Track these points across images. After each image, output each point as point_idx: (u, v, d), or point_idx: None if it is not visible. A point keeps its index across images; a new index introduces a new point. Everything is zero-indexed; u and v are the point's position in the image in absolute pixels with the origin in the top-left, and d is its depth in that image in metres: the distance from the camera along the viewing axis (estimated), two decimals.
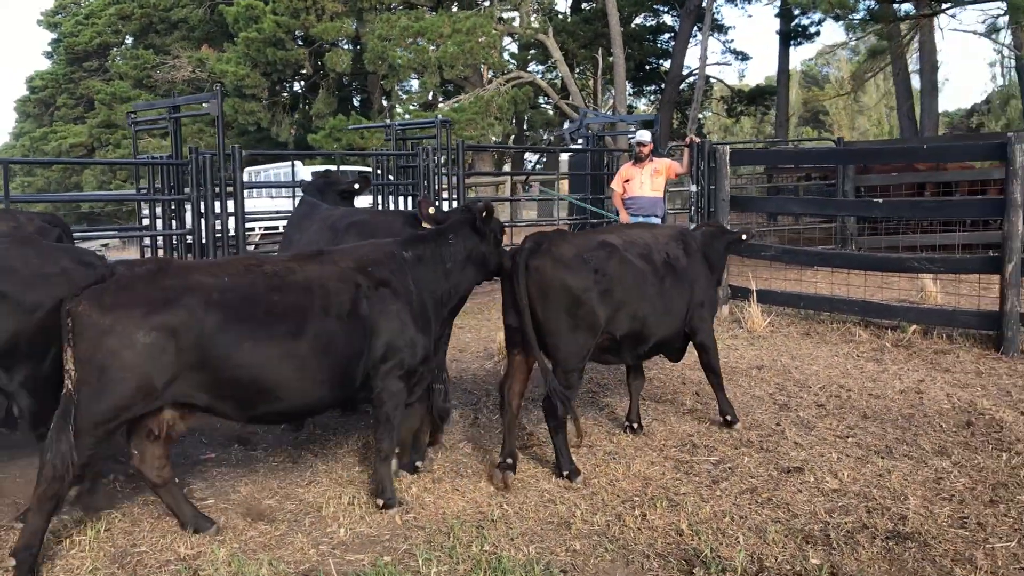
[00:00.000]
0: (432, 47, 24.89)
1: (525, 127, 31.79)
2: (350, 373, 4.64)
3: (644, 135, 10.02)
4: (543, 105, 35.22)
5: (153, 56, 39.99)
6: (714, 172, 9.97)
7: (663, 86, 34.32)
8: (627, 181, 10.12)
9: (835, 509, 4.77)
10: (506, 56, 29.78)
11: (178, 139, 9.39)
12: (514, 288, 5.19)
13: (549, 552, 4.34)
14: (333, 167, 16.35)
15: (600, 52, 29.28)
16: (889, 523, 4.56)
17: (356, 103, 34.64)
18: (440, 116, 12.24)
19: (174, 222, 9.49)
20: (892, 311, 8.88)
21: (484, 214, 5.05)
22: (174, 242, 9.51)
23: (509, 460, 5.29)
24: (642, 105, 40.45)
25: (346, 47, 29.86)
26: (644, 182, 10.00)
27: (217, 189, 8.98)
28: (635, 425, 6.17)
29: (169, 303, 4.16)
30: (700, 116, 35.49)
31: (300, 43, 29.76)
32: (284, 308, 4.41)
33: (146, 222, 10.58)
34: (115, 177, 39.78)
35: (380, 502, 4.86)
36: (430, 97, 28.42)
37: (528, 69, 31.92)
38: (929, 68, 21.95)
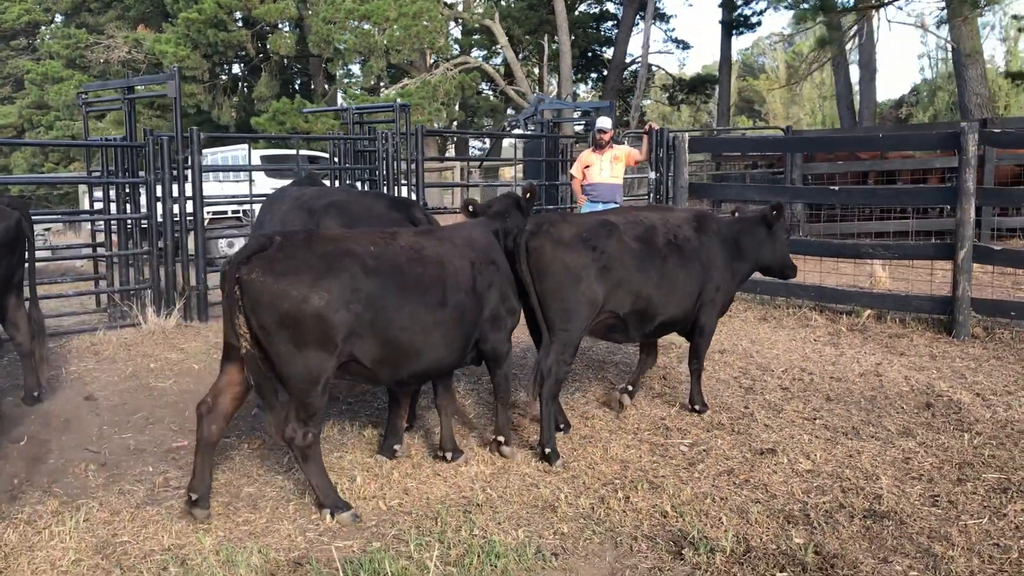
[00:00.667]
0: (378, 31, 24.62)
1: (470, 113, 31.63)
2: (469, 339, 5.05)
3: (605, 122, 10.07)
4: (485, 91, 35.14)
5: (86, 35, 38.77)
6: (672, 159, 10.08)
7: (605, 74, 34.51)
8: (587, 167, 10.16)
9: (811, 489, 4.89)
10: (450, 41, 29.55)
11: (132, 120, 9.14)
12: (517, 268, 5.33)
13: (537, 535, 4.37)
14: (286, 151, 16.15)
15: (546, 39, 29.29)
16: (865, 502, 4.69)
17: (298, 87, 34.11)
18: (399, 100, 12.11)
19: (128, 206, 9.24)
20: (847, 296, 9.11)
21: (528, 195, 5.63)
22: (128, 225, 9.25)
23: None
24: (582, 92, 40.63)
25: (289, 30, 29.33)
26: (604, 168, 10.05)
27: (175, 172, 8.76)
28: (629, 388, 6.28)
29: (333, 268, 4.37)
30: (642, 104, 35.76)
31: (241, 24, 29.18)
32: (429, 279, 4.77)
33: (98, 206, 10.28)
34: (47, 159, 38.63)
35: (506, 449, 5.40)
36: (374, 82, 28.09)
37: (471, 55, 31.79)
38: (868, 59, 22.47)
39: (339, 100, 32.43)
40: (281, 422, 4.41)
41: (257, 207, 11.97)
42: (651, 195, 10.44)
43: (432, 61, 28.65)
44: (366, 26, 25.06)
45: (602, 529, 4.43)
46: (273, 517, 4.60)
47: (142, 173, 8.89)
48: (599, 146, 10.14)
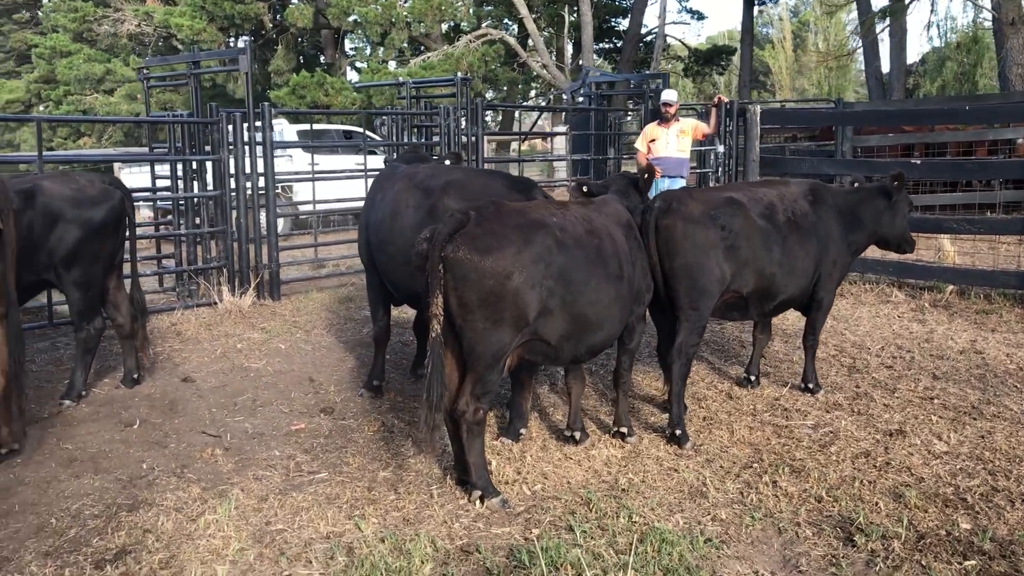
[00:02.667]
0: (401, 1, 24.29)
1: (488, 87, 31.27)
2: (631, 313, 5.00)
3: (670, 94, 9.91)
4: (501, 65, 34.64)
5: (93, 8, 38.26)
6: (744, 132, 9.93)
7: (620, 45, 34.15)
8: (652, 141, 10.02)
9: (956, 472, 4.81)
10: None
11: (198, 96, 8.96)
12: (646, 246, 5.22)
13: (696, 522, 4.30)
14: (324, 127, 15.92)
15: (566, 9, 28.95)
16: (1018, 485, 4.62)
17: (320, 60, 33.74)
18: (460, 74, 11.90)
19: (196, 183, 9.09)
20: (928, 271, 9.00)
21: (647, 176, 5.50)
22: (195, 204, 9.12)
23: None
24: (596, 63, 40.23)
25: (304, 2, 28.90)
26: (670, 142, 9.91)
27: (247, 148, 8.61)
28: (752, 378, 6.27)
29: (531, 242, 4.33)
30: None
31: None
32: (606, 251, 4.70)
33: (160, 183, 10.13)
34: (55, 135, 38.20)
35: (631, 439, 5.31)
36: (395, 55, 27.73)
37: (486, 27, 31.39)
38: (899, 28, 22.20)
39: (349, 74, 32.07)
40: (441, 399, 4.31)
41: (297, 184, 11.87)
42: (719, 169, 10.30)
43: (443, 32, 28.26)
44: None
45: (760, 515, 4.35)
46: (420, 503, 4.51)
47: (207, 148, 8.75)
48: (664, 119, 9.98)
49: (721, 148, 10.29)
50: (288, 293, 9.42)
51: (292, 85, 25.61)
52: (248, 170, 8.61)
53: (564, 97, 15.78)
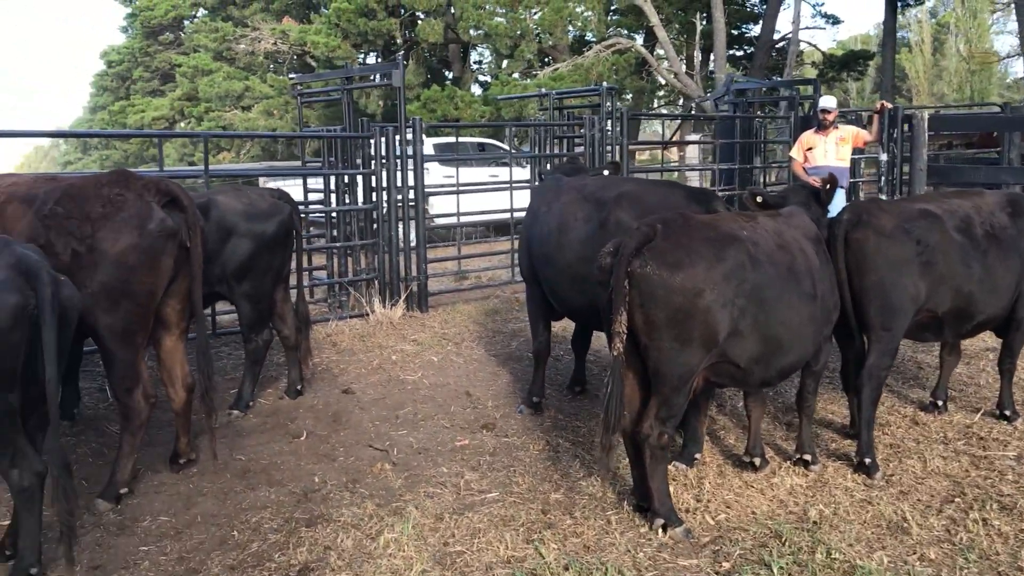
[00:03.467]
0: (530, 13, 24.34)
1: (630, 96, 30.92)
2: (823, 332, 4.73)
3: (829, 101, 9.47)
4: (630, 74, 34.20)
5: (232, 28, 39.96)
6: (910, 140, 9.38)
7: (751, 51, 33.28)
8: (809, 150, 9.59)
9: None
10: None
11: (351, 111, 9.10)
12: (833, 260, 4.89)
13: (902, 561, 3.96)
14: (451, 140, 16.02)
15: (697, 16, 28.40)
16: None
17: (447, 74, 34.25)
18: (606, 83, 11.74)
19: (347, 196, 9.21)
20: None
21: (828, 187, 5.09)
22: (347, 219, 9.24)
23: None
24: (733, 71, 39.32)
25: (435, 17, 29.36)
26: (828, 150, 9.45)
27: (399, 162, 8.66)
28: (939, 403, 5.86)
29: (723, 259, 4.12)
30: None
31: (388, 13, 29.37)
32: (799, 268, 4.44)
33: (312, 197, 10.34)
34: (196, 149, 39.92)
35: (815, 467, 4.99)
36: (524, 66, 27.78)
37: (611, 36, 31.09)
38: None
39: (472, 87, 32.34)
40: (619, 421, 4.11)
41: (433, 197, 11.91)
42: (883, 178, 9.77)
43: (569, 43, 28.11)
44: (516, 10, 24.83)
45: (975, 556, 3.98)
46: (598, 528, 4.33)
47: (358, 162, 8.85)
48: (822, 127, 9.53)
49: (884, 156, 9.75)
50: (434, 305, 9.42)
51: (423, 99, 26.04)
52: (399, 183, 8.66)
53: (708, 105, 15.36)
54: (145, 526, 4.43)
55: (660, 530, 4.25)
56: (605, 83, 11.99)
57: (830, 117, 9.48)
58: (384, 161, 8.60)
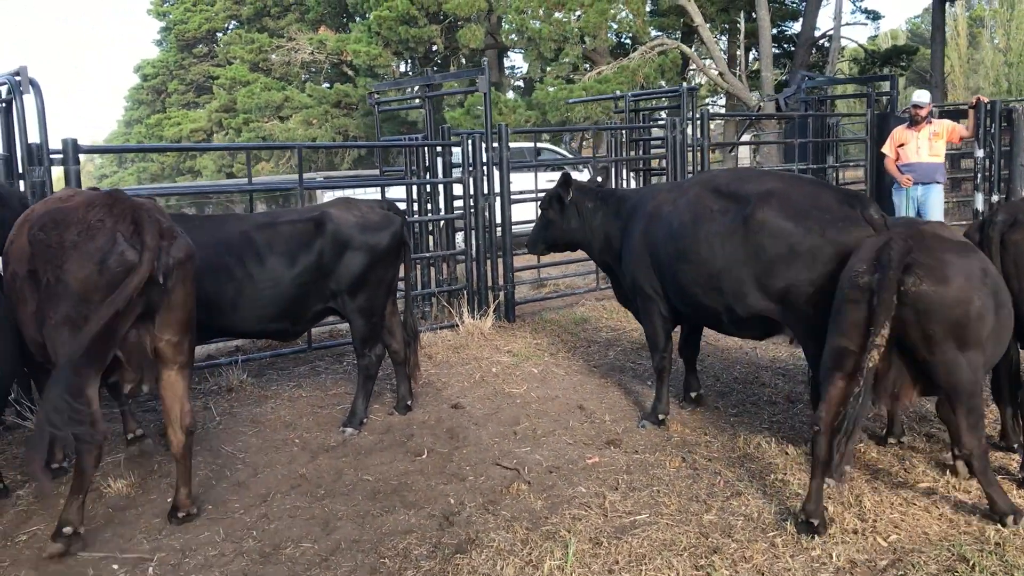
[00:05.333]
0: (573, 16, 24.15)
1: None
2: None
3: (922, 96, 9.19)
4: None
5: (268, 39, 40.10)
6: (1011, 135, 9.08)
7: (791, 49, 32.87)
8: (901, 146, 9.33)
9: None
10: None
11: (431, 118, 8.93)
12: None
13: None
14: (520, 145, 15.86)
15: (741, 15, 28.08)
16: None
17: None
18: (686, 84, 11.51)
19: (429, 205, 9.05)
20: None
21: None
22: (429, 228, 9.09)
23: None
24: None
25: (477, 23, 29.26)
26: (921, 146, 9.20)
27: (485, 170, 8.49)
28: None
29: (974, 268, 4.19)
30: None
31: (429, 19, 29.32)
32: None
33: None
34: (234, 160, 40.03)
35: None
36: (568, 70, 27.58)
37: (653, 37, 30.79)
38: None
39: (508, 93, 32.16)
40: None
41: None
42: (979, 175, 9.46)
43: (610, 46, 27.88)
44: (559, 14, 24.64)
45: None
46: (766, 552, 4.10)
47: (440, 170, 8.69)
48: (915, 122, 9.28)
49: (980, 152, 9.44)
50: (519, 314, 9.23)
51: (467, 106, 25.94)
52: (485, 191, 8.48)
53: (781, 103, 15.07)
54: (288, 553, 4.26)
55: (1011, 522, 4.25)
56: (685, 84, 11.73)
57: (923, 112, 9.22)
58: (471, 168, 8.42)
